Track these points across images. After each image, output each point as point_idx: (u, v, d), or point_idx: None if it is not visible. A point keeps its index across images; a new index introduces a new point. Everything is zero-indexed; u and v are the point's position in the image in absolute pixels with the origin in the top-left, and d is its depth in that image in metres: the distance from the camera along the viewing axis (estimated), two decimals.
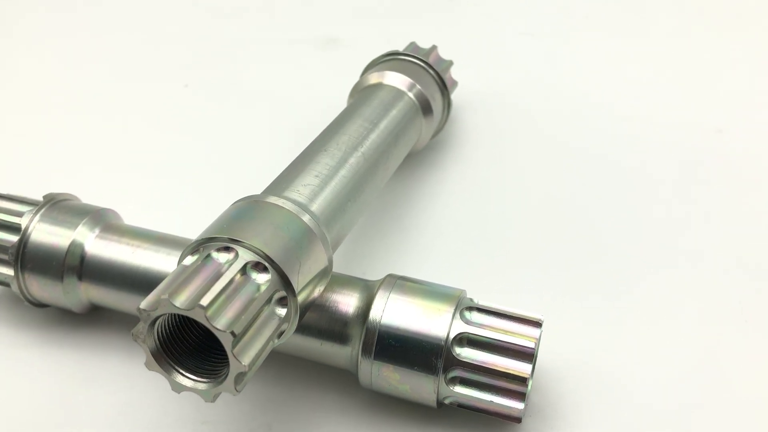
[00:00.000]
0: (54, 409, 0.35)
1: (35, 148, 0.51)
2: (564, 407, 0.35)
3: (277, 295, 0.28)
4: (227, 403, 0.35)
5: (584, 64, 0.57)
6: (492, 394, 0.32)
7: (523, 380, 0.31)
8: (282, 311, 0.28)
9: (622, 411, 0.35)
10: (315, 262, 0.31)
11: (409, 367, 0.32)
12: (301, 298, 0.29)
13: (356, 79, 0.51)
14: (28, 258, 0.37)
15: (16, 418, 0.35)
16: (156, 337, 0.28)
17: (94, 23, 0.63)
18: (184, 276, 0.27)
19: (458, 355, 0.32)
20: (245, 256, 0.28)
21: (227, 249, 0.28)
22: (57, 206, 0.38)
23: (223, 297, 0.26)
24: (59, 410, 0.35)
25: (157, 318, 0.27)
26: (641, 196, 0.46)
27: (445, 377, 0.32)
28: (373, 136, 0.39)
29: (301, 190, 0.33)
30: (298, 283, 0.29)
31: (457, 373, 0.32)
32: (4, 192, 0.40)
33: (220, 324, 0.26)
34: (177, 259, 0.36)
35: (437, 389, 0.32)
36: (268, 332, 0.28)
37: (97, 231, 0.37)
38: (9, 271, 0.37)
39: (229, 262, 0.28)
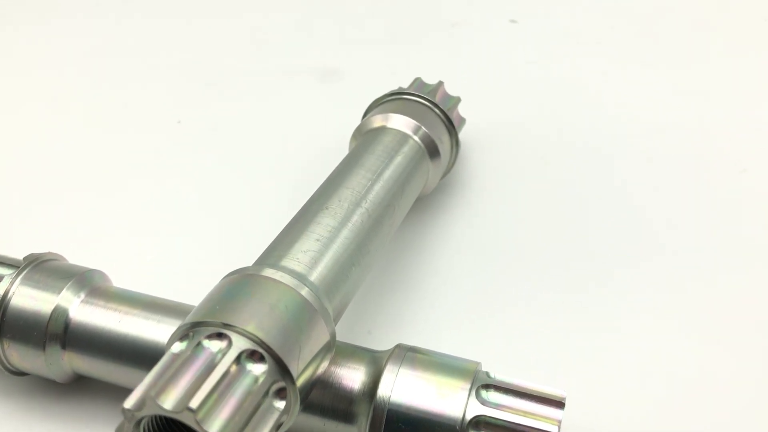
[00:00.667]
0: None
1: (12, 197, 0.48)
2: None
3: (275, 387, 0.26)
4: None
5: (597, 95, 0.54)
6: None
7: None
8: (281, 404, 0.26)
9: None
10: (316, 341, 0.28)
11: None
12: (301, 383, 0.27)
13: (358, 111, 0.49)
14: (7, 325, 0.34)
15: None
16: None
17: (80, 55, 0.60)
18: (172, 370, 0.24)
19: None
20: (239, 344, 0.25)
21: (219, 336, 0.26)
22: (40, 267, 0.35)
23: (215, 395, 0.24)
24: None
25: (142, 417, 0.24)
26: (663, 239, 0.43)
27: None
28: (377, 189, 0.36)
29: (300, 257, 0.31)
30: (298, 369, 0.26)
31: None
32: None
33: (212, 428, 0.23)
34: (167, 327, 0.33)
35: None
36: (265, 429, 0.25)
37: (82, 295, 0.35)
38: None
39: (222, 352, 0.25)
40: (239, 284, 0.28)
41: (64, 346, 0.34)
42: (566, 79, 0.56)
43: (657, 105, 0.53)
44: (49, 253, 0.37)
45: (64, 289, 0.34)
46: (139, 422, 0.25)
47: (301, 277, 0.29)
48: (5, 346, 0.34)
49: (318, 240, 0.32)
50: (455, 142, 0.44)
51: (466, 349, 0.33)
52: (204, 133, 0.52)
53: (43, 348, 0.34)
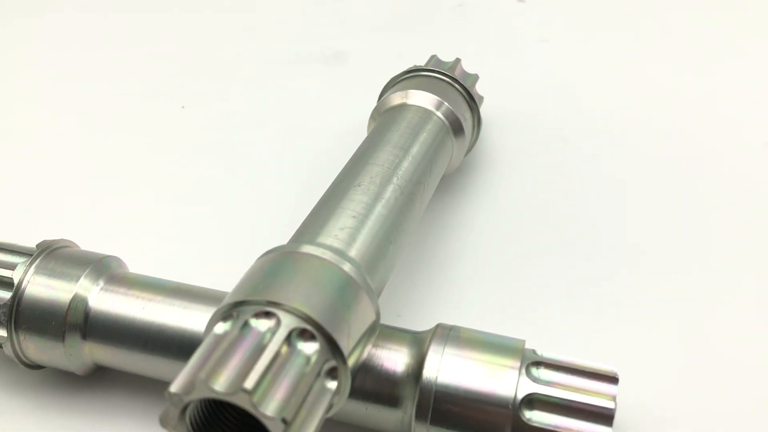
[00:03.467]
0: None
1: (20, 183, 0.46)
2: None
3: (326, 366, 0.24)
4: None
5: (612, 71, 0.53)
6: None
7: None
8: (332, 384, 0.24)
9: None
10: (363, 319, 0.27)
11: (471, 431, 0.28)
12: (351, 363, 0.25)
13: (368, 95, 0.47)
14: (23, 316, 0.32)
15: None
16: (189, 422, 0.23)
17: (86, 42, 0.58)
18: (219, 351, 0.23)
19: (528, 420, 0.28)
20: (288, 322, 0.24)
21: (267, 314, 0.24)
22: (53, 255, 0.34)
23: (269, 376, 0.22)
24: None
25: (189, 402, 0.23)
26: (687, 215, 0.42)
27: None
28: (406, 165, 0.35)
29: (338, 234, 0.29)
30: (348, 347, 0.25)
31: None
32: None
33: (269, 410, 0.21)
34: (195, 313, 0.32)
35: None
36: (320, 411, 0.24)
37: (101, 283, 0.33)
38: (1, 332, 0.32)
39: (271, 331, 0.24)
40: (279, 262, 0.27)
41: (84, 337, 0.32)
42: (580, 56, 0.55)
43: (675, 79, 0.52)
44: (62, 240, 0.35)
45: (82, 277, 0.33)
46: (184, 409, 0.23)
47: (341, 254, 0.28)
48: (21, 338, 0.32)
49: (354, 217, 0.30)
50: (477, 120, 0.43)
51: (498, 329, 0.32)
52: (209, 119, 0.50)
53: (63, 339, 0.32)
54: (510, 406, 0.28)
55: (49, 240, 0.34)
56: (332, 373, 0.24)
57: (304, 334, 0.24)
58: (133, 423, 0.33)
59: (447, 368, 0.29)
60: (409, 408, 0.29)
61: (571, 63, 0.54)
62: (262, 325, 0.24)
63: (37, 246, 0.34)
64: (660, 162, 0.46)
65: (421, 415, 0.29)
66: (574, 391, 0.28)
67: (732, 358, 0.35)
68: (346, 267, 0.27)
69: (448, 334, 0.30)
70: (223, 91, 0.53)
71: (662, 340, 0.36)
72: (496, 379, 0.28)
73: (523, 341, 0.30)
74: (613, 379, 0.29)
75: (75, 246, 0.35)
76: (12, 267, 0.33)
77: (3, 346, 0.33)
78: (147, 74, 0.55)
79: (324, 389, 0.24)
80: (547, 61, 0.54)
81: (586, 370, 0.29)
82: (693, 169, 0.45)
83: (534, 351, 0.30)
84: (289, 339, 0.24)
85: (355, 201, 0.31)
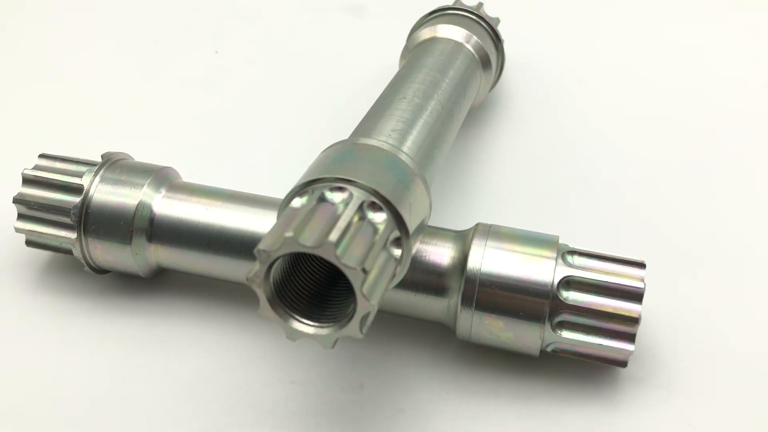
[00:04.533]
0: (125, 379, 0.34)
1: (66, 112, 0.49)
2: (662, 353, 0.34)
3: (392, 236, 0.27)
4: (314, 362, 0.34)
5: (629, 15, 0.56)
6: (600, 337, 0.31)
7: (633, 321, 0.30)
8: (397, 252, 0.27)
9: (719, 356, 0.34)
10: (420, 206, 0.29)
11: (513, 314, 0.31)
12: (412, 236, 0.28)
13: (386, 46, 0.50)
14: (91, 219, 0.35)
15: (90, 388, 0.33)
16: (272, 282, 0.26)
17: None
18: (301, 216, 0.25)
19: (565, 299, 0.31)
20: (359, 195, 0.27)
21: (340, 189, 0.27)
22: (116, 165, 0.36)
23: (348, 236, 0.25)
24: (131, 380, 0.33)
25: (274, 262, 0.25)
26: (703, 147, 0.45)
27: (552, 323, 0.31)
28: (444, 85, 0.38)
29: (390, 134, 0.32)
30: (411, 222, 0.28)
31: (563, 317, 0.31)
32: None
33: (351, 261, 0.24)
34: (253, 216, 0.34)
35: (543, 335, 0.31)
36: (387, 276, 0.26)
37: (163, 191, 0.35)
38: (70, 234, 0.35)
39: (344, 202, 0.26)
40: (344, 151, 0.29)
41: (150, 239, 0.35)
42: (599, 8, 0.58)
43: (685, 28, 0.55)
44: (120, 152, 0.37)
45: (145, 185, 0.35)
46: (269, 268, 0.26)
47: (396, 149, 0.31)
48: (89, 240, 0.35)
49: (403, 122, 0.33)
50: (501, 57, 0.46)
51: None
52: (241, 64, 0.53)
53: (130, 241, 0.34)
54: (549, 288, 0.31)
55: (110, 152, 0.37)
56: (397, 243, 0.27)
57: (373, 206, 0.27)
58: (190, 321, 0.36)
59: (490, 259, 0.32)
60: (456, 295, 0.32)
61: (591, 14, 0.57)
62: (336, 197, 0.27)
63: (102, 156, 0.36)
64: (677, 97, 0.49)
65: (466, 301, 0.31)
66: (606, 274, 0.31)
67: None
68: (403, 157, 0.30)
69: (489, 230, 0.33)
70: (251, 39, 0.55)
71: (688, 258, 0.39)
72: (535, 265, 0.31)
73: (557, 236, 0.33)
74: (641, 265, 0.32)
75: (131, 158, 0.38)
76: (79, 175, 0.35)
77: (72, 248, 0.35)
78: (177, 19, 0.57)
79: (390, 257, 0.27)
80: (566, 12, 0.57)
81: (617, 258, 0.32)
82: (720, 119, 0.48)
83: (567, 245, 0.33)
84: (361, 209, 0.26)
85: (402, 109, 0.34)
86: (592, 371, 0.33)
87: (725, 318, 0.36)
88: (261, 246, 0.25)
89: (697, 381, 0.33)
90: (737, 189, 0.43)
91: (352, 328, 0.25)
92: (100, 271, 0.36)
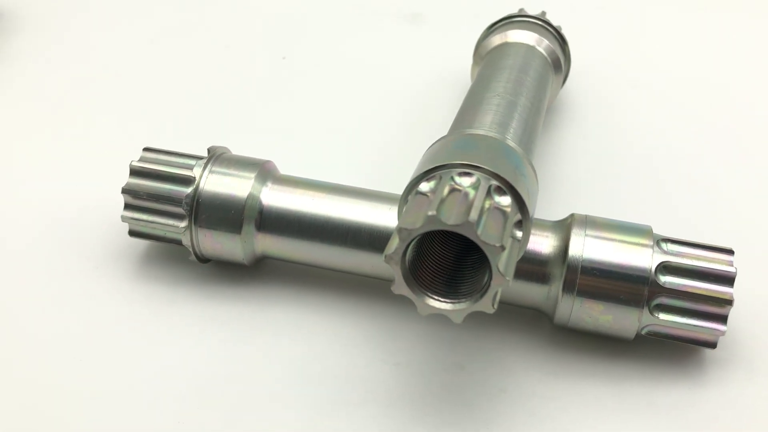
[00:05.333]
0: (235, 361, 0.35)
1: (148, 111, 0.51)
2: (743, 336, 0.36)
3: (515, 218, 0.29)
4: (415, 344, 0.36)
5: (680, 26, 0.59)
6: (694, 318, 0.33)
7: (726, 303, 0.32)
8: (519, 234, 0.29)
9: None
10: (534, 191, 0.31)
11: (614, 298, 0.33)
12: (531, 220, 0.30)
13: (444, 54, 0.52)
14: (202, 209, 0.36)
15: (200, 370, 0.35)
16: (407, 261, 0.28)
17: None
18: (438, 197, 0.27)
19: (663, 283, 0.33)
20: (485, 180, 0.29)
21: (467, 174, 0.29)
22: (221, 159, 0.38)
23: (484, 216, 0.27)
24: (241, 361, 0.35)
25: (412, 240, 0.27)
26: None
27: (650, 306, 0.33)
28: (529, 83, 0.39)
29: (491, 126, 0.34)
30: (531, 206, 0.30)
31: (660, 300, 0.33)
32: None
33: (490, 239, 0.26)
34: (357, 206, 0.36)
35: (640, 318, 0.33)
36: (515, 253, 0.28)
37: (269, 183, 0.37)
38: (180, 224, 0.36)
39: (473, 186, 0.28)
40: (459, 140, 0.31)
41: (259, 228, 0.36)
42: (640, 24, 0.60)
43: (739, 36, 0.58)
44: (222, 146, 0.39)
45: (253, 178, 0.37)
46: (406, 248, 0.27)
47: (504, 138, 0.33)
48: (198, 230, 0.36)
49: (500, 115, 0.35)
50: (568, 61, 0.48)
51: None
52: (308, 68, 0.55)
53: (239, 230, 0.36)
54: (648, 274, 0.33)
55: (215, 146, 0.39)
56: (519, 226, 0.29)
57: (498, 191, 0.29)
58: (293, 307, 0.37)
59: (590, 247, 0.34)
60: (557, 282, 0.34)
61: (635, 31, 0.60)
62: (464, 182, 0.28)
63: (208, 150, 0.38)
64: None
65: (568, 287, 0.33)
66: (699, 260, 0.33)
67: None
68: (512, 145, 0.32)
69: (585, 220, 0.35)
70: (317, 45, 0.57)
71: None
72: (634, 252, 0.33)
73: (650, 226, 0.35)
74: (730, 251, 0.34)
75: (230, 152, 0.40)
76: (189, 167, 0.37)
77: (182, 237, 0.37)
78: (244, 28, 0.59)
79: (515, 237, 0.29)
80: (608, 22, 0.60)
81: (707, 245, 0.34)
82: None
83: (659, 234, 0.35)
84: (489, 192, 0.28)
85: (496, 104, 0.36)
86: (678, 354, 0.35)
87: None
88: (402, 224, 0.27)
89: None
90: None
91: (485, 303, 0.27)
92: (203, 260, 0.38)
